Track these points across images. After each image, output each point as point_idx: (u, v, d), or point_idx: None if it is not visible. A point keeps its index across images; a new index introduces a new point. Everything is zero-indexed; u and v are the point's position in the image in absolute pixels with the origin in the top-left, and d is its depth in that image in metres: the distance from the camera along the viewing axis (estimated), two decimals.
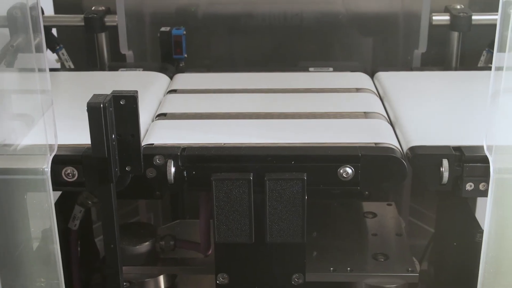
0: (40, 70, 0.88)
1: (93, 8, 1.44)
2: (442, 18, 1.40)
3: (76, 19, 1.41)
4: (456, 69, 1.41)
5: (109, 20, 1.42)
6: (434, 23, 1.41)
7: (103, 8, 1.43)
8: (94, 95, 0.89)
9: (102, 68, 1.44)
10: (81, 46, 1.53)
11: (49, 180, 0.88)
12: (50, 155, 0.89)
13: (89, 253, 1.25)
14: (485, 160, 0.90)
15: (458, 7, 1.41)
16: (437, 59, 1.47)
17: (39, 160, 0.88)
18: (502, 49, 0.85)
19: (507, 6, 0.83)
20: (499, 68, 0.85)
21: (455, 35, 1.39)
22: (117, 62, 1.46)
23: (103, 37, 1.42)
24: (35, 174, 0.88)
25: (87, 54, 1.49)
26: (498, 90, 0.86)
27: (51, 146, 0.89)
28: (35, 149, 0.90)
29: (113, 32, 1.46)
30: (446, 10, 1.41)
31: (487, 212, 0.88)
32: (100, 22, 1.41)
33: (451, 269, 1.19)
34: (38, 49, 0.91)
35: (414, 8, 1.48)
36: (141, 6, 1.53)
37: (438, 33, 1.44)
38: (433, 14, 1.41)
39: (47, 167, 0.88)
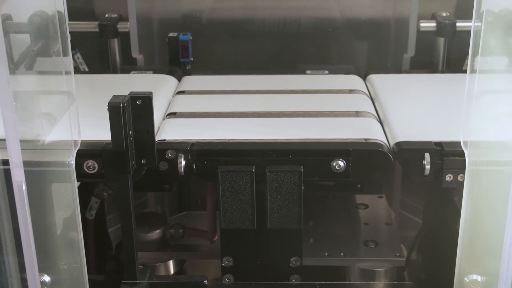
0: (66, 72, 0.95)
1: (106, 15, 1.49)
2: (429, 25, 1.45)
3: (91, 26, 1.45)
4: (442, 72, 1.46)
5: (121, 26, 1.47)
6: (421, 29, 1.45)
7: (116, 15, 1.48)
8: (114, 96, 0.96)
9: (114, 71, 1.50)
10: (92, 50, 1.58)
11: (74, 172, 0.95)
12: (75, 149, 0.96)
13: (103, 242, 1.31)
14: (462, 154, 0.95)
15: (444, 14, 1.46)
16: (425, 63, 1.51)
17: (65, 154, 0.95)
18: (475, 54, 0.90)
19: (479, 17, 0.92)
20: (473, 71, 0.91)
21: (441, 40, 1.44)
22: (128, 66, 1.52)
23: (115, 42, 1.47)
24: (61, 166, 0.95)
25: (99, 58, 1.55)
26: (472, 92, 0.91)
27: (75, 142, 0.96)
28: (61, 144, 0.97)
29: (123, 37, 1.51)
30: (433, 17, 1.46)
31: (463, 199, 0.95)
32: (113, 28, 1.46)
33: (436, 255, 1.25)
34: (63, 54, 0.97)
35: (404, 15, 1.53)
36: (150, 13, 1.58)
37: (425, 39, 1.49)
38: (421, 21, 1.46)
39: (72, 160, 0.95)
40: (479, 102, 0.92)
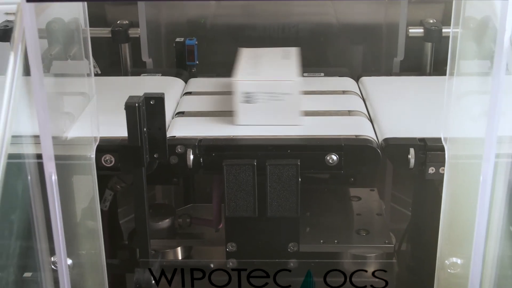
0: (87, 75, 1.03)
1: (118, 22, 1.54)
2: (417, 31, 1.49)
3: (104, 32, 1.50)
4: (430, 74, 1.51)
5: (132, 32, 1.52)
6: (410, 35, 1.50)
7: (127, 22, 1.54)
8: (130, 96, 1.05)
9: (125, 74, 1.55)
10: (104, 54, 1.61)
11: (94, 165, 1.03)
12: (95, 144, 1.04)
13: (115, 232, 1.37)
14: (443, 149, 1.01)
15: (431, 21, 1.50)
16: (413, 66, 1.57)
17: (86, 148, 1.03)
18: (453, 59, 0.97)
19: (457, 23, 0.97)
20: (452, 74, 0.98)
21: (429, 45, 1.49)
22: (138, 69, 1.57)
23: (126, 47, 1.53)
24: (83, 160, 1.03)
25: (111, 61, 1.60)
26: (451, 94, 0.99)
27: (95, 138, 1.05)
28: (83, 140, 1.05)
29: (133, 41, 1.56)
30: (421, 23, 1.50)
31: (443, 189, 1.01)
32: (125, 34, 1.51)
33: (423, 242, 1.32)
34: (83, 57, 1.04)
35: (394, 21, 1.58)
36: (158, 19, 1.64)
37: (414, 44, 1.54)
38: (409, 27, 1.51)
39: (92, 154, 1.03)
40: (458, 102, 0.99)
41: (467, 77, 0.99)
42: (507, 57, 0.81)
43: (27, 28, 0.78)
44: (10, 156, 0.91)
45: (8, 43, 1.34)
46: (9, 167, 0.90)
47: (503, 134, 0.91)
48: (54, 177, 0.90)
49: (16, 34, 0.83)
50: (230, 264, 1.16)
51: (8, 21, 1.47)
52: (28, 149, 0.95)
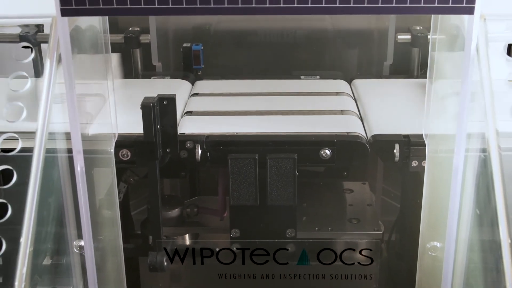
0: (108, 79, 1.13)
1: (130, 29, 1.63)
2: (404, 37, 1.59)
3: (117, 38, 1.58)
4: (417, 77, 1.60)
5: (143, 38, 1.62)
6: (398, 41, 1.60)
7: (138, 28, 1.63)
8: (145, 97, 1.15)
9: (136, 76, 1.64)
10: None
11: (113, 158, 1.13)
12: (114, 140, 1.14)
13: (127, 221, 1.46)
14: (424, 144, 1.10)
15: (418, 28, 1.60)
16: (402, 69, 1.66)
17: (107, 144, 1.13)
18: (432, 64, 1.06)
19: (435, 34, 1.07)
20: (431, 77, 1.07)
21: (416, 50, 1.59)
22: (148, 72, 1.66)
23: (137, 52, 1.62)
24: (104, 154, 1.13)
25: (123, 65, 1.65)
26: (431, 95, 1.08)
27: (114, 134, 1.15)
28: (103, 136, 1.14)
29: (143, 47, 1.65)
30: (409, 30, 1.60)
31: (424, 180, 1.11)
32: (137, 40, 1.61)
33: (410, 232, 1.37)
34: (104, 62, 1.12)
35: (384, 28, 1.68)
36: (166, 26, 1.73)
37: (402, 49, 1.64)
38: (398, 34, 1.61)
39: (112, 148, 1.13)
40: (436, 103, 1.09)
41: (443, 80, 1.09)
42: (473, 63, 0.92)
43: (62, 39, 0.90)
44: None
45: (27, 48, 1.47)
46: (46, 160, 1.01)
47: (472, 131, 1.02)
48: (82, 169, 1.01)
49: (51, 43, 0.94)
50: (234, 248, 1.25)
51: (26, 25, 1.56)
52: (60, 145, 1.04)
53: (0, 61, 1.56)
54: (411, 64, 1.63)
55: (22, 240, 0.94)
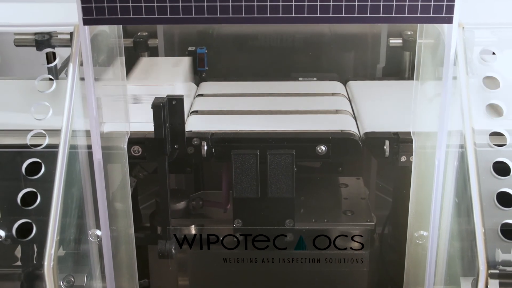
0: (123, 80, 1.21)
1: (138, 33, 1.69)
2: (396, 41, 1.66)
3: (127, 42, 1.64)
4: (408, 79, 1.66)
5: (151, 42, 1.69)
6: (390, 45, 1.67)
7: (146, 33, 1.70)
8: (155, 98, 1.23)
9: None
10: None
11: (126, 154, 1.21)
12: (126, 137, 1.22)
13: (136, 214, 1.44)
14: (412, 140, 1.17)
15: (409, 33, 1.65)
16: (394, 71, 1.73)
17: (120, 140, 1.21)
18: (418, 67, 1.14)
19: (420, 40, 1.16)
20: (417, 79, 1.15)
21: (407, 54, 1.66)
22: None
23: (146, 55, 1.68)
24: (118, 150, 1.21)
25: (132, 68, 1.70)
26: (417, 96, 1.17)
27: (127, 132, 1.23)
28: (117, 134, 1.21)
29: (151, 50, 1.71)
30: (400, 35, 1.67)
31: (412, 173, 1.18)
32: (145, 44, 1.68)
33: (401, 224, 1.42)
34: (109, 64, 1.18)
35: (378, 32, 1.75)
36: (172, 31, 1.80)
37: (394, 52, 1.71)
38: (390, 38, 1.68)
39: (125, 145, 1.21)
40: (422, 102, 1.17)
41: (429, 81, 1.17)
42: (452, 67, 1.02)
43: (83, 45, 1.00)
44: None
45: (42, 51, 1.55)
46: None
47: (453, 129, 1.11)
48: (100, 162, 1.10)
49: (73, 49, 1.04)
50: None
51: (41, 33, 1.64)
52: (81, 141, 1.13)
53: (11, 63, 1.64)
54: (402, 66, 1.70)
55: (50, 222, 1.03)
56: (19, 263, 1.10)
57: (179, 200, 1.47)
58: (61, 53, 1.40)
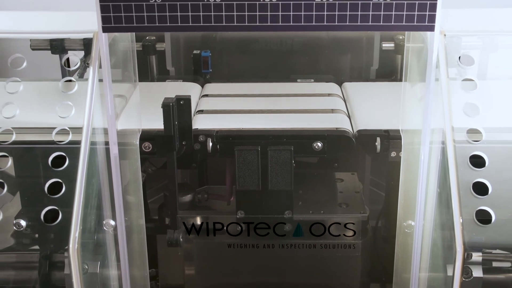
0: (135, 81, 1.31)
1: (147, 37, 1.76)
2: (389, 45, 1.73)
3: (136, 45, 1.52)
4: (399, 80, 1.67)
5: (159, 46, 1.76)
6: (383, 48, 1.74)
7: (154, 37, 1.78)
8: (165, 98, 1.31)
9: (152, 80, 1.77)
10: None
11: (138, 150, 1.29)
12: (138, 134, 1.30)
13: (144, 207, 1.49)
14: (401, 137, 1.23)
15: (401, 37, 1.70)
16: (387, 73, 1.80)
17: (132, 137, 1.29)
18: (406, 69, 1.22)
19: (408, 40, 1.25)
20: (405, 80, 1.23)
21: (399, 57, 1.71)
22: (163, 75, 1.80)
23: (153, 58, 1.78)
24: (130, 146, 1.28)
25: (139, 70, 1.84)
26: (405, 96, 1.25)
27: (138, 129, 1.31)
28: (130, 131, 1.27)
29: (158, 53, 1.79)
30: (392, 39, 1.73)
31: (401, 168, 1.26)
32: (153, 47, 1.75)
33: (392, 216, 1.48)
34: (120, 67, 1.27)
35: (371, 36, 1.82)
36: (178, 35, 1.86)
37: (387, 55, 1.78)
38: (383, 42, 1.75)
39: (137, 141, 1.29)
40: (409, 102, 1.26)
41: (415, 83, 1.25)
42: (435, 70, 1.12)
43: (102, 51, 1.10)
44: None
45: (57, 55, 1.66)
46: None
47: (435, 127, 1.19)
48: (116, 156, 1.20)
49: (93, 54, 1.15)
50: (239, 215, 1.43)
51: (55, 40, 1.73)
52: (99, 138, 1.22)
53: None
54: (394, 69, 1.78)
55: (74, 208, 1.13)
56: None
57: (186, 193, 1.56)
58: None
